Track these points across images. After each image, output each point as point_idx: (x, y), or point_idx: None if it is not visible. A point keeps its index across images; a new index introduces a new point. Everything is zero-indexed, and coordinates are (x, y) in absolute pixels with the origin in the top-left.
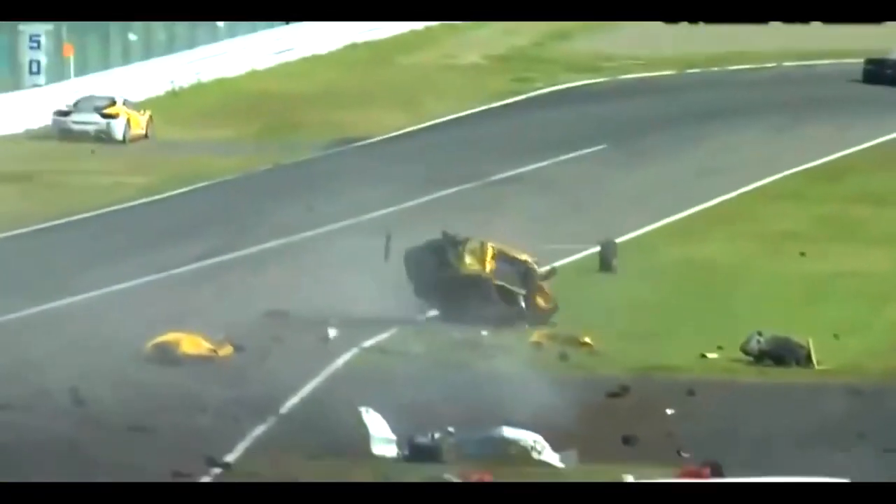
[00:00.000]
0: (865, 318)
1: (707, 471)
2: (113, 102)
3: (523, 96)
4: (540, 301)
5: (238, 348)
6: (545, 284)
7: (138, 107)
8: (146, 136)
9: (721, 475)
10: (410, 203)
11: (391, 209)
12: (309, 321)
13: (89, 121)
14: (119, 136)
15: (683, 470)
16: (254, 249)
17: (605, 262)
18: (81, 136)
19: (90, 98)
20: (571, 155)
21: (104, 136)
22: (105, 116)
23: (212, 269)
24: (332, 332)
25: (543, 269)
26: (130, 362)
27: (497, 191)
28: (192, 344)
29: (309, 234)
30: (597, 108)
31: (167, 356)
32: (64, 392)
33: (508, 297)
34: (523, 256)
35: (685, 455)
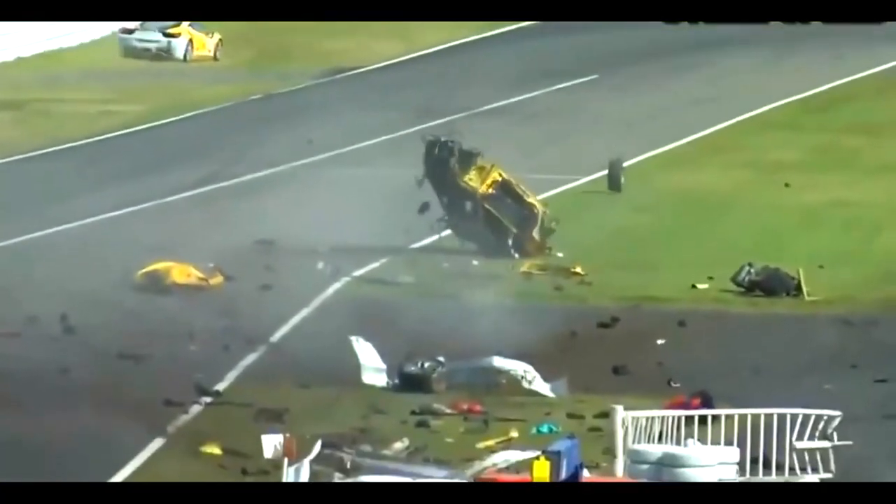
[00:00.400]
0: (857, 248)
1: (697, 401)
2: (178, 23)
3: (515, 26)
4: (528, 247)
5: (228, 278)
6: (540, 235)
7: (208, 30)
8: (215, 58)
9: (711, 406)
10: (401, 133)
11: (382, 138)
12: (300, 251)
13: (151, 39)
14: (179, 54)
15: (673, 400)
16: (245, 178)
17: (613, 180)
18: (143, 54)
19: None
20: (563, 85)
21: (164, 54)
22: (167, 35)
23: (202, 198)
24: (319, 265)
25: (548, 223)
26: (120, 290)
27: (489, 120)
28: (182, 273)
29: (301, 163)
30: (588, 37)
31: (157, 285)
32: (54, 319)
33: (497, 227)
34: (531, 200)
35: (675, 385)
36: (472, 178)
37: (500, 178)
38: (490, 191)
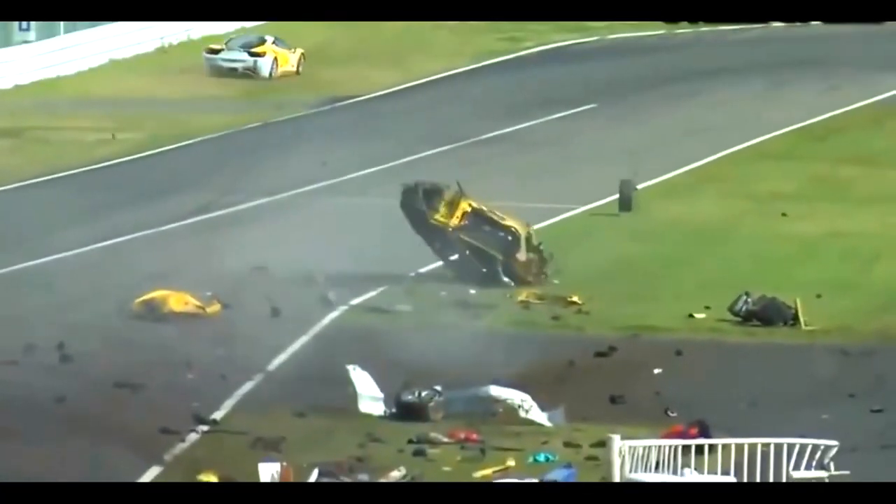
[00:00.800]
0: (854, 279)
1: (694, 430)
2: (262, 41)
3: (513, 55)
4: (519, 271)
5: (226, 306)
6: (527, 255)
7: (290, 46)
8: (297, 72)
9: (708, 435)
10: (399, 161)
11: (380, 167)
12: (297, 279)
13: (237, 59)
14: (265, 73)
15: (671, 430)
16: (242, 207)
17: (623, 201)
18: (229, 73)
19: (240, 37)
20: (562, 114)
21: (251, 73)
22: (252, 55)
23: (200, 227)
24: (332, 295)
25: (535, 242)
26: (117, 319)
27: (487, 149)
28: (179, 301)
29: (298, 192)
30: (586, 66)
31: (154, 313)
32: (50, 348)
33: (482, 257)
34: (508, 222)
35: (672, 414)
36: (441, 215)
37: (469, 209)
38: (463, 222)
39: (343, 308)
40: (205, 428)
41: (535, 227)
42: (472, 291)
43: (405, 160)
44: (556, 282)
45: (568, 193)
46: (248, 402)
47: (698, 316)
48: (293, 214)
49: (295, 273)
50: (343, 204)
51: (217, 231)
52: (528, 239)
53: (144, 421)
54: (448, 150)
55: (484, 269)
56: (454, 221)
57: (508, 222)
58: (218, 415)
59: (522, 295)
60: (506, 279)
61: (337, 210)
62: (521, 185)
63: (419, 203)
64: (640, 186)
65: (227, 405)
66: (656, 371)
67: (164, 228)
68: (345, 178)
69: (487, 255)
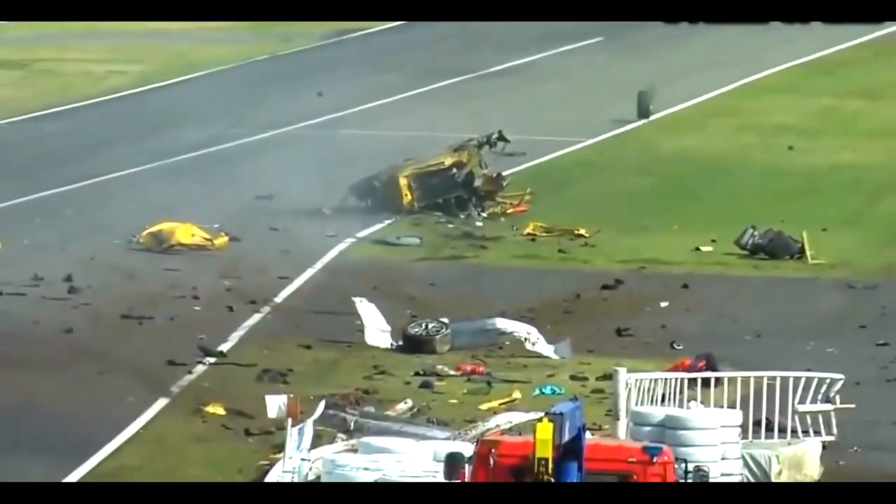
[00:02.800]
0: (860, 212)
1: (702, 364)
2: None
3: None
4: (486, 193)
5: (233, 238)
6: (483, 176)
7: None
8: None
9: (715, 368)
10: (406, 94)
11: (389, 99)
12: (304, 212)
13: None
14: None
15: (678, 363)
16: (249, 140)
17: (642, 109)
18: None
19: None
20: (568, 47)
21: None
22: None
23: (208, 159)
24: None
25: (473, 166)
26: (124, 251)
27: (492, 83)
28: (186, 233)
29: (305, 124)
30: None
31: (161, 245)
32: (58, 280)
33: (451, 207)
34: (448, 162)
35: (679, 347)
36: (393, 199)
37: (407, 179)
38: (414, 194)
39: (350, 240)
40: (211, 360)
41: (542, 159)
42: (479, 224)
43: (411, 93)
44: (506, 181)
45: (574, 126)
46: (255, 334)
47: (704, 249)
48: (300, 147)
49: (302, 206)
50: (349, 136)
51: (224, 164)
52: (478, 163)
53: (151, 352)
54: (454, 83)
55: (462, 214)
56: (406, 199)
57: (448, 162)
58: (225, 347)
59: (529, 227)
60: (480, 210)
61: (343, 143)
62: (528, 118)
63: (374, 198)
64: (646, 120)
65: (234, 337)
66: (663, 304)
67: (171, 161)
68: (351, 111)
69: (453, 202)
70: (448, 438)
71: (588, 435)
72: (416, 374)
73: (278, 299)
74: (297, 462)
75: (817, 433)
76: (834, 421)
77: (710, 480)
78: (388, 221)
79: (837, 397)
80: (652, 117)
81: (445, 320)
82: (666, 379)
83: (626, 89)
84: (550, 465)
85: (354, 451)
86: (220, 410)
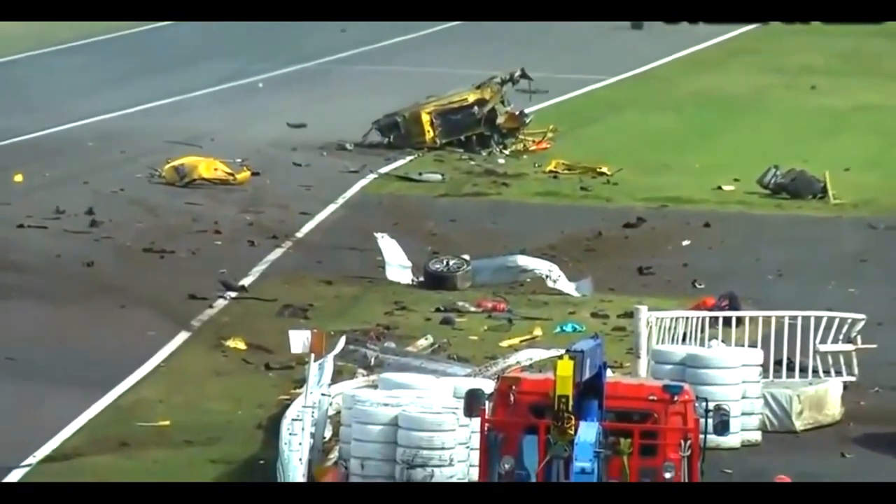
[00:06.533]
0: (883, 153)
1: (724, 303)
2: None
3: None
4: (508, 130)
5: (255, 173)
6: (505, 113)
7: None
8: None
9: (737, 307)
10: (427, 31)
11: (412, 35)
12: (326, 147)
13: None
14: None
15: (701, 301)
16: (273, 73)
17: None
18: None
19: None
20: None
21: None
22: None
23: (232, 92)
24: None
25: (495, 102)
26: (146, 184)
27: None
28: (208, 167)
29: (327, 59)
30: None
31: (183, 179)
32: (79, 213)
33: (473, 143)
34: (471, 98)
35: (700, 286)
36: (417, 136)
37: (430, 115)
38: (437, 130)
39: (372, 176)
40: (233, 294)
41: (563, 97)
42: (501, 161)
43: (433, 29)
44: (529, 119)
45: (595, 64)
46: (276, 269)
47: (727, 188)
48: (322, 83)
49: (324, 140)
50: (372, 72)
51: (246, 99)
52: (501, 100)
53: (173, 286)
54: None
55: (484, 151)
56: (429, 136)
57: (470, 98)
58: (246, 281)
59: (551, 165)
60: (502, 147)
61: (365, 78)
62: (548, 56)
63: (397, 133)
64: (666, 59)
65: (256, 272)
66: (684, 243)
67: (193, 95)
68: (374, 46)
69: (475, 139)
70: (468, 375)
71: (609, 373)
72: (437, 310)
73: (300, 234)
74: (317, 397)
75: (838, 373)
76: (855, 361)
77: (731, 419)
78: (410, 157)
79: (859, 338)
80: (669, 58)
81: (466, 257)
82: (687, 318)
83: (646, 27)
84: (571, 403)
85: (374, 386)
86: (241, 345)
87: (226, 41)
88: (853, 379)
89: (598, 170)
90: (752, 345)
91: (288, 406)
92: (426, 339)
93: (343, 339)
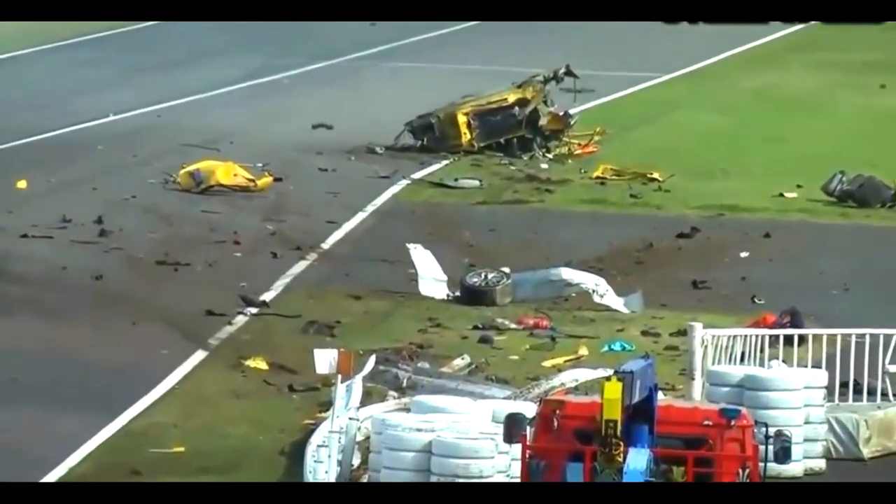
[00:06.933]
0: None
1: (786, 320)
2: None
3: None
4: (551, 132)
5: (277, 178)
6: (548, 114)
7: None
8: None
9: (800, 324)
10: (464, 25)
11: (446, 30)
12: (354, 151)
13: None
14: None
15: (760, 318)
16: (298, 71)
17: None
18: None
19: None
20: None
21: None
22: None
23: (253, 91)
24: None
25: (538, 102)
26: (159, 191)
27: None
28: (226, 173)
29: (352, 56)
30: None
31: (200, 185)
32: (88, 222)
33: (513, 146)
34: (511, 98)
35: (760, 301)
36: (453, 139)
37: (467, 116)
38: (474, 133)
39: (404, 182)
40: (253, 310)
41: (612, 96)
42: (544, 166)
43: (469, 24)
44: (573, 119)
45: (646, 60)
46: (300, 282)
47: (789, 195)
48: (348, 81)
49: (352, 143)
50: (404, 70)
51: (268, 98)
52: (544, 100)
53: (189, 302)
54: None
55: (525, 155)
56: (466, 139)
57: (510, 98)
58: (268, 296)
59: (598, 170)
60: (545, 151)
61: (397, 76)
62: (598, 52)
63: (431, 136)
64: (723, 55)
65: (278, 286)
66: (742, 254)
67: (211, 94)
68: (405, 41)
69: (516, 142)
70: (508, 398)
71: (660, 395)
72: (475, 327)
73: (326, 245)
74: (344, 421)
75: None
76: None
77: (792, 445)
78: (445, 162)
79: None
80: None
81: (506, 270)
82: (746, 335)
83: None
84: (619, 428)
85: (407, 410)
86: (262, 365)
87: (246, 35)
88: None
89: (649, 175)
90: (816, 365)
91: (313, 431)
92: (462, 358)
93: (372, 359)
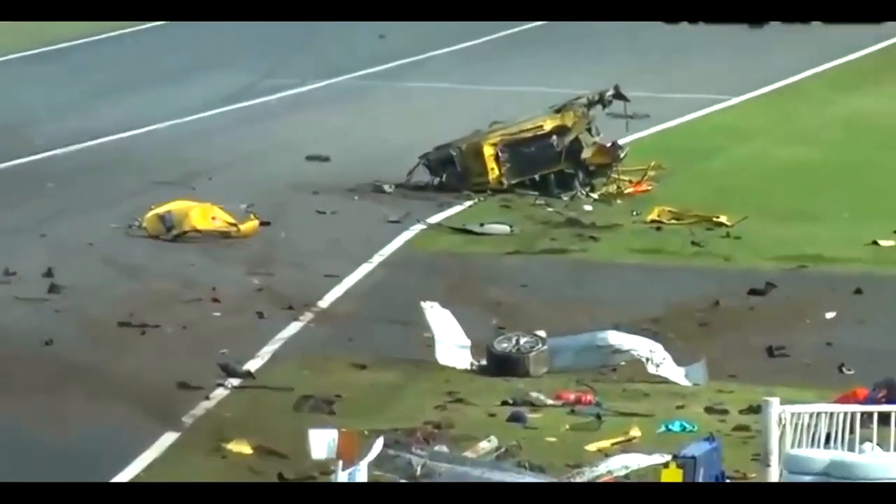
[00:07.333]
0: None
1: (881, 394)
2: None
3: None
4: (595, 166)
5: (264, 222)
6: (593, 146)
7: None
8: None
9: None
10: (493, 36)
11: (471, 43)
12: (358, 189)
13: None
14: None
15: (848, 392)
16: (289, 93)
17: None
18: None
19: None
20: None
21: None
22: None
23: (237, 116)
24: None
25: (579, 130)
26: (123, 238)
27: (642, 34)
28: (204, 216)
29: (356, 75)
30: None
31: (171, 231)
32: (35, 276)
33: (550, 184)
34: (547, 125)
35: (849, 371)
36: (478, 176)
37: (494, 148)
38: (503, 168)
39: (419, 227)
40: (236, 382)
41: (670, 123)
42: (588, 207)
43: (494, 35)
44: (623, 153)
45: (710, 79)
46: (293, 348)
47: (885, 243)
48: (354, 104)
49: (356, 180)
50: (419, 91)
51: (254, 124)
52: (588, 128)
53: (158, 372)
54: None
55: (565, 195)
56: (493, 175)
57: (547, 125)
58: (253, 365)
59: (653, 212)
60: (588, 189)
61: (412, 99)
62: (654, 69)
63: (451, 169)
64: (807, 74)
65: (266, 352)
66: (828, 315)
67: (187, 119)
68: (421, 56)
69: (554, 178)
70: None
71: None
72: (504, 403)
73: (323, 304)
74: None
75: None
76: None
77: None
78: (468, 203)
79: None
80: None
81: (542, 334)
82: (832, 413)
83: (785, 34)
84: None
85: None
86: (246, 448)
87: (231, 49)
88: None
89: (715, 219)
90: None
91: None
92: (489, 441)
93: (380, 442)
